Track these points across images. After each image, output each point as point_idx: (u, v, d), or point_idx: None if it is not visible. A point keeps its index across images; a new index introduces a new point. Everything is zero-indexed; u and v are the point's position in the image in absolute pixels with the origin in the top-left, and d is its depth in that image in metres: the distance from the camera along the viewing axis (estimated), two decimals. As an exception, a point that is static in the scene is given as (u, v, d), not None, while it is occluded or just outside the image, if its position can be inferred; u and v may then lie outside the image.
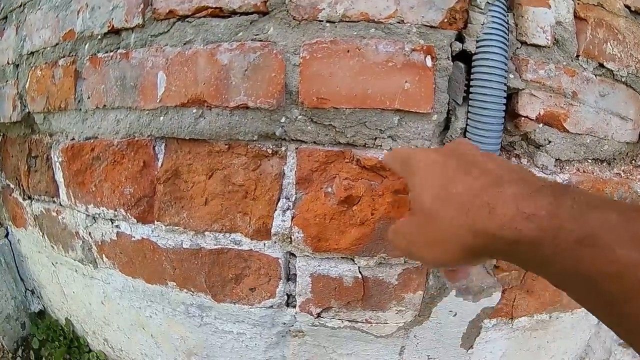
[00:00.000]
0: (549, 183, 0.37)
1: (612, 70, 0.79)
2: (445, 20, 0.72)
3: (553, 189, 0.35)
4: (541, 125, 0.77)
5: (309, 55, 0.72)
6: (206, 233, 0.85)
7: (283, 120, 0.75)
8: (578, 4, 0.77)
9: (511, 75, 0.74)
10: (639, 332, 0.29)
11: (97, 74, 0.89)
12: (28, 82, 1.01)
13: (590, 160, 0.83)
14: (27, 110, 1.04)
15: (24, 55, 1.05)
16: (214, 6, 0.76)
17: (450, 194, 0.41)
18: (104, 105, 0.88)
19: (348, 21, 0.71)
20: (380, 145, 0.75)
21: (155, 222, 0.88)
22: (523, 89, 0.75)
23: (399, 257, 0.79)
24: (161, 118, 0.83)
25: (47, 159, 1.01)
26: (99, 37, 0.89)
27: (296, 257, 0.82)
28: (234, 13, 0.75)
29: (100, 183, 0.92)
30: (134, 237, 0.91)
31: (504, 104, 0.71)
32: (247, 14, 0.74)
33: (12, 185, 1.19)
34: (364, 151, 0.74)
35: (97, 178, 0.92)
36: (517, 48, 0.76)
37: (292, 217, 0.79)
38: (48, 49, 0.98)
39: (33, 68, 1.02)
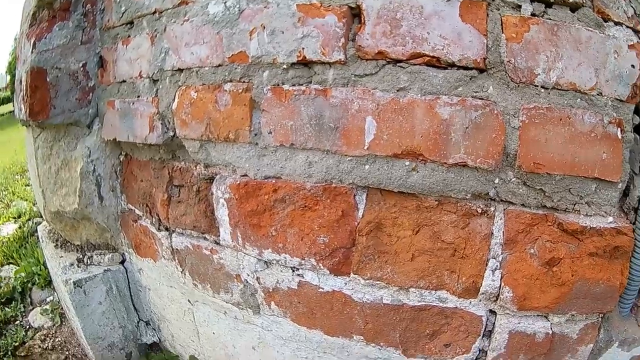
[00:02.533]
0: None
1: None
2: (630, 94, 0.87)
3: None
4: None
5: (527, 119, 0.85)
6: (411, 289, 0.96)
7: (497, 181, 0.88)
8: None
9: None
10: None
11: (282, 107, 0.97)
12: (176, 103, 1.08)
13: None
14: (171, 134, 1.10)
15: (166, 71, 1.15)
16: (430, 55, 0.85)
17: None
18: (292, 144, 0.97)
19: (559, 89, 0.85)
20: (579, 211, 0.90)
21: (352, 275, 0.99)
22: None
23: (587, 314, 0.95)
24: (366, 167, 0.92)
25: (197, 190, 1.10)
26: (284, 66, 0.96)
27: (496, 314, 0.95)
28: (451, 65, 0.85)
29: (283, 228, 1.03)
30: (322, 288, 1.03)
31: None
32: (466, 68, 0.85)
33: (138, 212, 1.25)
34: (565, 215, 0.89)
35: (279, 222, 1.03)
36: None
37: (502, 277, 0.91)
38: (206, 68, 1.08)
39: (183, 87, 1.13)
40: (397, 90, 0.87)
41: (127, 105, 1.25)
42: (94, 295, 1.42)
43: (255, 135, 1.00)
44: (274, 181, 1.00)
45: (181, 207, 1.17)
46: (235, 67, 1.01)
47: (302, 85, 0.94)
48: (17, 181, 4.33)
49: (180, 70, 1.10)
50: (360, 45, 0.88)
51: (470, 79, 0.84)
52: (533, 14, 0.85)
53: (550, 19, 0.85)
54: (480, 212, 0.89)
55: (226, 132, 1.03)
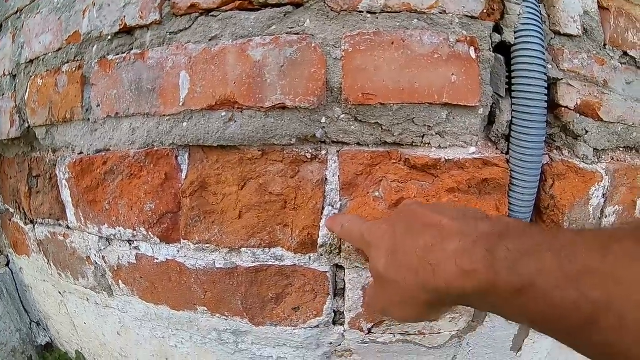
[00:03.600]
0: (486, 230, 0.44)
1: (634, 58, 0.89)
2: (485, 10, 0.77)
3: (488, 238, 0.42)
4: (578, 115, 0.83)
5: (351, 47, 0.74)
6: (242, 250, 0.86)
7: (324, 120, 0.77)
8: (601, -7, 0.81)
9: (549, 66, 0.82)
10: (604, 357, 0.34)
11: (107, 78, 0.92)
12: (27, 93, 1.05)
13: (622, 149, 0.91)
14: (26, 125, 1.08)
15: (22, 65, 1.09)
16: None
17: (399, 260, 0.50)
18: (117, 114, 0.91)
19: (390, 12, 0.75)
20: (429, 143, 0.78)
21: (182, 241, 0.90)
22: (561, 79, 0.83)
23: None
24: (184, 124, 0.84)
25: (50, 178, 1.05)
26: (109, 37, 0.92)
27: (345, 269, 0.84)
28: (264, 5, 0.77)
29: (114, 200, 0.94)
30: (157, 259, 0.94)
31: (545, 94, 0.78)
32: (279, 5, 0.77)
33: (11, 210, 1.22)
34: (412, 150, 0.77)
35: (111, 195, 0.95)
36: (552, 38, 0.84)
37: None
38: (50, 54, 1.02)
39: (33, 77, 1.05)
40: (209, 40, 0.79)
41: None
42: (-13, 300, 1.38)
43: (87, 111, 0.93)
44: (103, 154, 0.93)
45: (40, 197, 1.08)
46: (71, 48, 0.95)
47: (124, 53, 0.89)
48: None
49: (32, 61, 1.05)
50: (174, 3, 0.82)
51: (285, 15, 0.76)
52: None
53: None
54: (310, 157, 0.79)
55: (64, 113, 0.96)
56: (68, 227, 1.05)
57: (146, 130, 0.89)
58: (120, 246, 0.98)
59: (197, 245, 0.88)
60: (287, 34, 0.76)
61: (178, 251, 0.91)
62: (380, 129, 0.76)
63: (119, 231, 0.95)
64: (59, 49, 1.00)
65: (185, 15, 0.83)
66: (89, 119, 0.96)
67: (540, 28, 0.79)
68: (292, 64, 0.75)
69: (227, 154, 0.83)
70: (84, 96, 0.95)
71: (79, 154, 0.98)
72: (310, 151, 0.80)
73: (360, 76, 0.74)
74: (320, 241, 0.82)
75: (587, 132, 0.84)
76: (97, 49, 0.94)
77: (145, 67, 0.86)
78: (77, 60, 0.97)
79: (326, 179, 0.80)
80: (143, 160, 0.90)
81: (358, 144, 0.79)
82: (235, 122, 0.80)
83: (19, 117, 1.08)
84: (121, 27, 0.89)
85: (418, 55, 0.74)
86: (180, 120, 0.84)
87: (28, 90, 1.04)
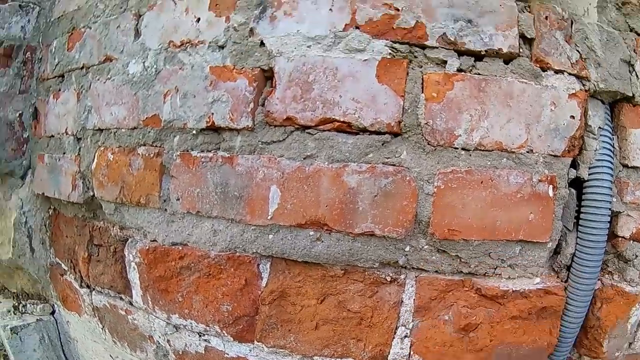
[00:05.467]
0: None
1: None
2: (566, 148, 0.83)
3: None
4: (632, 242, 0.89)
5: (443, 185, 0.79)
6: (315, 358, 0.89)
7: (407, 249, 0.82)
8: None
9: (614, 199, 0.87)
10: None
11: (190, 174, 0.92)
12: (95, 164, 1.05)
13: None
14: (91, 194, 1.08)
15: (88, 130, 1.11)
16: (341, 120, 0.80)
17: None
18: (198, 212, 0.92)
19: (482, 150, 0.79)
20: (500, 274, 0.84)
21: (255, 342, 0.92)
22: (622, 212, 0.88)
23: None
24: (270, 236, 0.86)
25: (114, 251, 1.05)
26: (194, 132, 0.91)
27: None
28: (363, 131, 0.80)
29: (188, 294, 0.96)
30: (228, 354, 0.96)
31: (608, 228, 0.86)
32: (378, 133, 0.80)
33: (64, 267, 1.22)
34: (484, 280, 0.83)
35: (186, 289, 0.97)
36: (619, 171, 0.89)
37: (411, 345, 0.85)
38: (123, 130, 1.03)
39: (102, 148, 1.07)
40: (304, 158, 0.82)
41: (54, 160, 1.19)
42: (29, 342, 1.36)
43: (165, 201, 0.94)
44: (180, 248, 0.94)
45: (100, 266, 1.10)
46: (148, 130, 0.96)
47: (210, 151, 0.89)
48: None
49: (101, 130, 1.05)
50: (269, 111, 0.83)
51: (383, 144, 0.79)
52: (460, 70, 0.80)
53: (479, 74, 0.80)
54: (389, 280, 0.83)
55: (138, 197, 0.97)
56: (131, 304, 1.09)
57: (229, 235, 0.90)
58: (189, 335, 1.00)
59: (271, 349, 0.91)
60: (383, 164, 0.79)
61: (250, 350, 0.93)
62: (458, 260, 0.82)
63: (190, 323, 0.97)
64: (134, 128, 1.00)
65: (279, 127, 0.84)
66: (165, 210, 0.97)
67: (612, 163, 0.86)
68: (386, 194, 0.79)
69: (310, 269, 0.86)
70: (162, 186, 0.96)
71: (151, 240, 0.99)
72: (390, 274, 0.84)
73: (448, 213, 0.79)
74: (390, 357, 0.86)
75: (637, 256, 0.89)
76: (179, 140, 0.94)
77: (234, 173, 0.87)
78: (156, 145, 0.97)
79: (402, 301, 0.84)
80: (224, 264, 0.91)
81: (436, 271, 0.83)
82: (323, 242, 0.83)
83: (82, 183, 1.08)
84: (208, 124, 0.89)
85: (503, 194, 0.79)
86: (266, 232, 0.86)
87: (96, 160, 1.05)
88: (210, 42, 0.90)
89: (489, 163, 0.79)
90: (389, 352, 0.85)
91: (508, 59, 0.82)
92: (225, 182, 0.87)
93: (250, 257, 0.89)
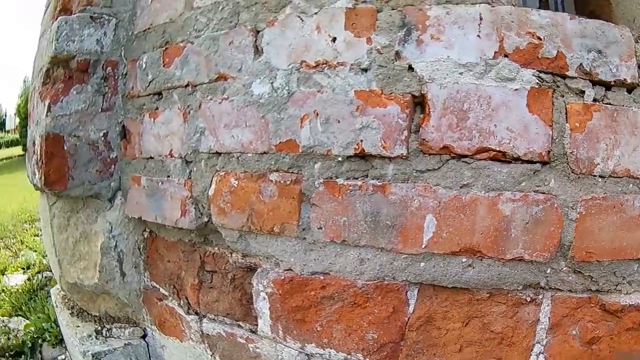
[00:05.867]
0: None
1: None
2: None
3: None
4: None
5: (584, 210, 0.82)
6: None
7: (548, 271, 0.84)
8: None
9: None
10: None
11: (335, 203, 0.89)
12: (213, 189, 1.02)
13: None
14: (204, 220, 1.04)
15: (202, 154, 1.07)
16: (496, 149, 0.81)
17: None
18: (344, 241, 0.90)
19: (614, 177, 0.84)
20: (620, 290, 0.87)
21: None
22: None
23: None
24: (422, 264, 0.86)
25: (232, 279, 1.02)
26: (339, 158, 0.89)
27: None
28: (516, 159, 0.81)
29: (329, 324, 0.94)
30: None
31: None
32: (530, 162, 0.82)
33: (163, 291, 1.18)
34: (607, 296, 0.86)
35: (326, 318, 0.95)
36: None
37: None
38: (249, 155, 0.99)
39: (222, 173, 1.03)
40: (460, 187, 0.82)
41: (155, 184, 1.14)
42: (114, 368, 1.32)
43: (304, 230, 0.91)
44: (322, 277, 0.91)
45: (213, 293, 1.07)
46: (282, 156, 0.92)
47: (357, 179, 0.87)
48: (27, 230, 4.16)
49: (218, 153, 1.01)
50: (424, 139, 0.82)
51: (534, 173, 0.81)
52: (595, 100, 0.82)
53: (610, 104, 0.83)
54: (529, 300, 0.85)
55: (271, 225, 0.94)
56: (252, 332, 1.06)
57: (378, 264, 0.89)
58: None
59: (415, 375, 0.92)
60: (534, 192, 0.82)
61: (392, 377, 0.94)
62: (590, 279, 0.85)
63: (329, 352, 0.95)
64: (264, 153, 0.96)
65: (434, 155, 0.84)
66: (304, 238, 0.94)
67: None
68: (536, 222, 0.82)
69: (457, 293, 0.88)
70: (302, 214, 0.93)
71: (285, 270, 0.95)
72: (530, 295, 0.86)
73: (587, 237, 0.83)
74: None
75: None
76: (321, 167, 0.91)
77: (386, 202, 0.86)
78: (292, 172, 0.93)
79: (539, 319, 0.86)
80: (371, 292, 0.90)
81: (569, 290, 0.86)
82: (474, 268, 0.84)
83: (194, 209, 1.05)
84: (357, 151, 0.87)
85: (629, 217, 0.84)
86: (418, 260, 0.86)
87: (214, 186, 1.02)
88: (352, 65, 0.87)
89: (619, 189, 0.84)
90: (526, 369, 0.89)
91: (630, 88, 0.85)
92: (376, 211, 0.86)
93: (399, 285, 0.88)
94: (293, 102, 0.91)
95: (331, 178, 0.89)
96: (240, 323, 1.05)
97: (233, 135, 0.98)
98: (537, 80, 0.81)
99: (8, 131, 34.28)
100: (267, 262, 0.98)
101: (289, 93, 0.92)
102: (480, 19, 0.82)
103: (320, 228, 0.90)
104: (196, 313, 1.13)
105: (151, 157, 1.17)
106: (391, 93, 0.84)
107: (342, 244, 0.89)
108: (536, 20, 0.82)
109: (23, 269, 2.98)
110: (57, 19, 1.25)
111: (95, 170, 1.24)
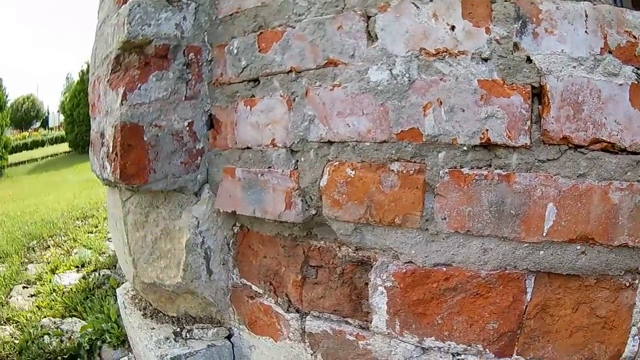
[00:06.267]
0: None
1: None
2: None
3: None
4: None
5: None
6: None
7: None
8: None
9: None
10: None
11: (461, 193, 1.07)
12: (326, 180, 1.20)
13: None
14: (312, 212, 1.19)
15: (311, 142, 1.25)
16: (607, 140, 0.99)
17: None
18: (468, 231, 1.08)
19: None
20: None
21: (514, 356, 1.08)
22: None
23: None
24: (541, 252, 1.04)
25: (341, 273, 1.16)
26: (464, 148, 1.06)
27: None
28: (622, 151, 1.00)
29: (450, 316, 1.13)
30: None
31: None
32: (634, 153, 0.99)
33: (256, 289, 1.32)
34: None
35: (447, 310, 1.14)
36: None
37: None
38: (367, 144, 1.17)
39: (336, 163, 1.21)
40: (577, 177, 1.00)
41: (253, 175, 1.34)
42: (195, 372, 1.45)
43: (427, 220, 1.10)
44: (445, 269, 1.11)
45: (318, 289, 1.28)
46: (404, 145, 1.10)
47: (481, 168, 1.05)
48: (79, 227, 4.61)
49: (330, 142, 1.20)
50: (545, 130, 1.00)
51: (637, 163, 0.99)
52: None
53: None
54: (627, 285, 1.03)
55: (392, 217, 1.13)
56: (363, 328, 1.25)
57: (500, 253, 1.06)
58: (440, 357, 1.14)
59: (529, 361, 1.17)
60: (637, 181, 0.99)
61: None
62: None
63: (449, 345, 1.13)
64: (383, 142, 1.13)
65: (554, 145, 1.00)
66: (426, 229, 1.12)
67: None
68: (638, 209, 0.99)
69: (569, 280, 1.05)
70: (425, 205, 1.10)
71: (405, 262, 1.10)
72: (629, 280, 1.03)
73: None
74: (623, 356, 1.05)
75: None
76: (445, 157, 1.08)
77: (510, 191, 1.03)
78: (414, 162, 1.11)
79: (635, 303, 1.03)
80: (494, 282, 1.07)
81: None
82: (586, 255, 1.02)
83: (301, 201, 1.22)
84: (483, 141, 1.04)
85: None
86: (537, 249, 1.04)
87: (328, 176, 1.22)
88: (473, 54, 1.06)
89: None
90: (623, 351, 1.04)
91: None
92: (501, 201, 1.04)
93: (519, 274, 1.06)
94: (415, 90, 1.10)
95: (456, 168, 1.07)
96: (349, 319, 1.26)
97: (348, 123, 1.18)
98: (636, 77, 1.00)
99: (52, 128, 41.85)
100: (384, 255, 1.19)
101: (409, 80, 1.10)
102: (586, 15, 1.01)
103: (445, 218, 1.09)
104: (297, 311, 1.33)
105: (248, 147, 1.38)
106: (512, 83, 1.02)
107: (465, 235, 1.08)
108: (630, 20, 1.02)
109: (77, 267, 3.25)
110: (126, 2, 1.39)
111: (180, 162, 1.43)
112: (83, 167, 15.37)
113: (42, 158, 21.43)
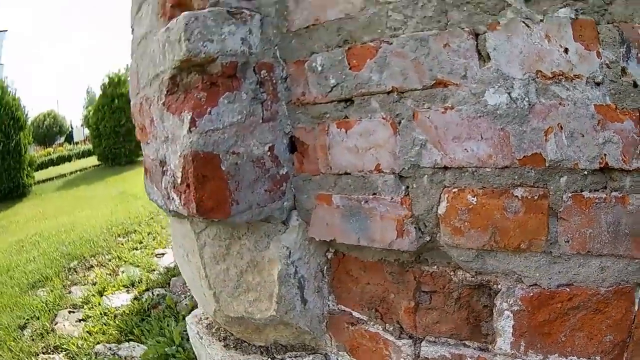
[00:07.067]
0: None
1: None
2: None
3: None
4: None
5: None
6: None
7: None
8: None
9: None
10: None
11: (582, 215, 1.49)
12: (446, 207, 1.60)
13: None
14: (427, 239, 1.65)
15: (423, 168, 1.62)
16: None
17: None
18: (588, 252, 1.50)
19: None
20: None
21: None
22: None
23: None
24: None
25: (457, 297, 1.56)
26: (585, 172, 1.47)
27: None
28: None
29: (572, 332, 1.58)
30: None
31: None
32: None
33: (358, 315, 1.75)
34: None
35: (569, 328, 1.59)
36: None
37: None
38: (488, 170, 1.53)
39: (454, 190, 1.59)
40: None
41: (355, 203, 1.71)
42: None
43: (551, 244, 1.51)
44: (568, 289, 1.53)
45: (433, 314, 1.70)
46: (527, 170, 1.46)
47: (598, 191, 1.43)
48: (122, 245, 5.36)
49: (446, 168, 1.56)
50: None
51: None
52: None
53: None
54: None
55: (517, 242, 1.51)
56: (482, 350, 1.68)
57: (616, 270, 1.48)
58: None
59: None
60: None
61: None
62: None
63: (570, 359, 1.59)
64: (505, 167, 1.51)
65: None
66: (550, 252, 1.55)
67: None
68: None
69: None
70: (550, 229, 1.52)
71: (529, 285, 1.50)
72: None
73: None
74: None
75: None
76: (566, 181, 1.49)
77: (625, 212, 1.43)
78: (537, 187, 1.52)
79: None
80: (610, 298, 1.50)
81: None
82: None
83: (415, 228, 1.58)
84: (602, 165, 1.43)
85: None
86: None
87: (447, 203, 1.60)
88: (587, 78, 1.37)
89: None
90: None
91: None
92: (617, 221, 1.41)
93: (631, 287, 1.45)
94: (535, 115, 1.42)
95: (577, 192, 1.47)
96: (467, 342, 1.71)
97: (466, 148, 1.52)
98: None
99: (77, 143, 52.93)
100: (507, 279, 1.62)
101: (529, 104, 1.42)
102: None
103: (567, 241, 1.50)
104: (410, 337, 1.77)
105: (347, 173, 1.75)
106: (623, 108, 1.35)
107: (585, 255, 1.48)
108: None
109: (126, 287, 3.83)
110: (171, 16, 1.66)
111: (264, 190, 1.75)
112: (115, 180, 19.12)
113: (71, 173, 24.21)
